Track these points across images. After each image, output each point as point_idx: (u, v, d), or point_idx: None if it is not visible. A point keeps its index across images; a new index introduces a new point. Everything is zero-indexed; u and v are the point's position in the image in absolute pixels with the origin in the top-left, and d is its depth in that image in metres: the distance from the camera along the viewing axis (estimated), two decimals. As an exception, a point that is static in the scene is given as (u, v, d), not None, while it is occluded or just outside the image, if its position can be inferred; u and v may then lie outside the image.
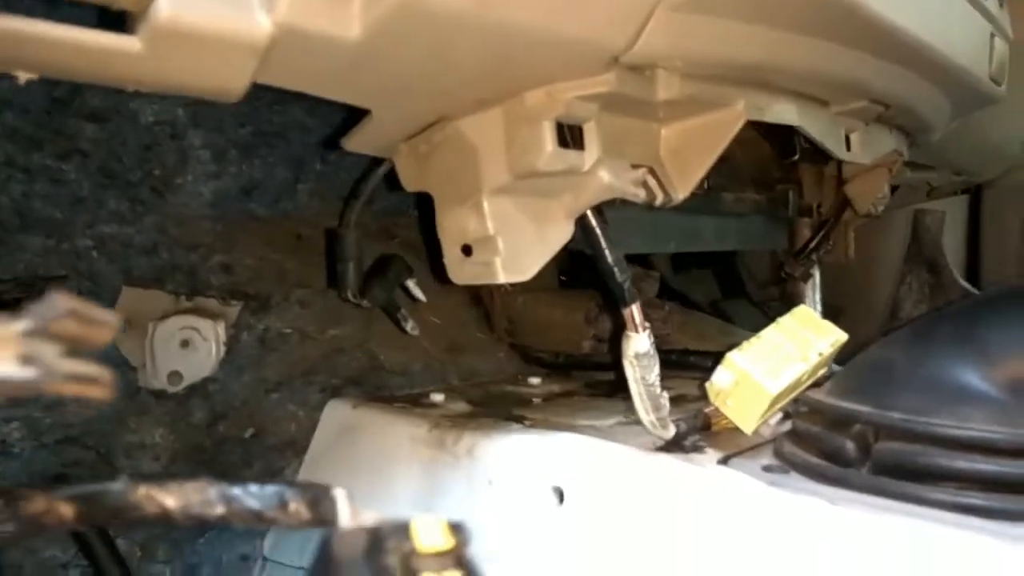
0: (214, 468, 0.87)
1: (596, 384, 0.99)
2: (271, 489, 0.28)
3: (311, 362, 0.93)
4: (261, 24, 0.37)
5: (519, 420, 0.77)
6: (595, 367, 1.03)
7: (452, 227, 0.55)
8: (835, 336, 0.70)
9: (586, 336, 1.11)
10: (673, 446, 0.66)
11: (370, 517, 0.26)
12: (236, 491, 0.27)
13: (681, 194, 0.60)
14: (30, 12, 0.33)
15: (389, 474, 0.73)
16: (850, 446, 0.57)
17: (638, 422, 0.68)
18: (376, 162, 0.67)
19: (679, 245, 0.79)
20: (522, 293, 1.07)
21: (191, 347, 0.91)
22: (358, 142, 0.55)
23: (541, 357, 1.07)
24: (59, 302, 0.21)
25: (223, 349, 0.91)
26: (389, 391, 0.93)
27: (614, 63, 0.49)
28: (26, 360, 0.18)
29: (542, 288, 1.07)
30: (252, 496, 0.27)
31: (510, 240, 0.54)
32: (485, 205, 0.53)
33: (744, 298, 1.39)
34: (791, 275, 0.99)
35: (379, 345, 0.97)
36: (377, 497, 0.73)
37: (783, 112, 0.63)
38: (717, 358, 0.90)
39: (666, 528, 0.59)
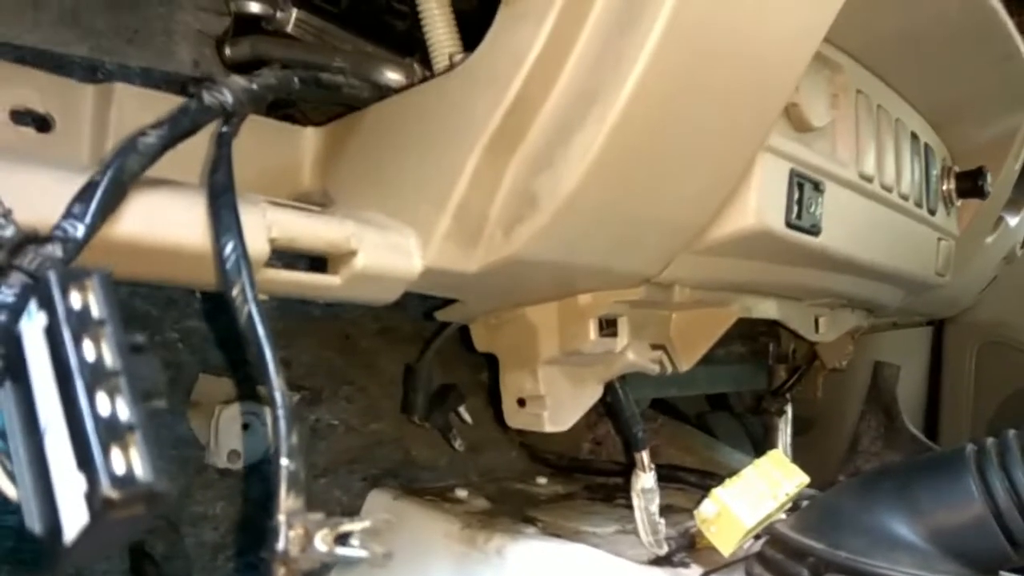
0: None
1: (595, 487, 1.14)
2: None
3: (354, 452, 1.07)
4: (416, 266, 0.53)
5: (534, 522, 0.92)
6: (594, 472, 1.19)
7: (511, 384, 0.72)
8: (800, 479, 0.85)
9: (585, 439, 1.28)
10: (664, 560, 0.80)
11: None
12: None
13: (685, 367, 0.77)
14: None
15: (426, 563, 0.87)
16: (805, 574, 0.72)
17: (634, 531, 0.83)
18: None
19: (680, 391, 0.96)
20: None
21: (251, 430, 1.04)
22: (448, 315, 0.72)
23: (548, 458, 1.22)
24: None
25: (279, 434, 1.05)
26: (420, 484, 1.06)
27: (645, 281, 0.66)
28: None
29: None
30: None
31: (555, 399, 0.70)
32: (539, 372, 0.69)
33: (727, 410, 1.56)
34: (767, 409, 1.17)
35: (411, 441, 1.11)
36: (415, 583, 0.87)
37: (767, 309, 0.80)
38: (700, 474, 1.07)
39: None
